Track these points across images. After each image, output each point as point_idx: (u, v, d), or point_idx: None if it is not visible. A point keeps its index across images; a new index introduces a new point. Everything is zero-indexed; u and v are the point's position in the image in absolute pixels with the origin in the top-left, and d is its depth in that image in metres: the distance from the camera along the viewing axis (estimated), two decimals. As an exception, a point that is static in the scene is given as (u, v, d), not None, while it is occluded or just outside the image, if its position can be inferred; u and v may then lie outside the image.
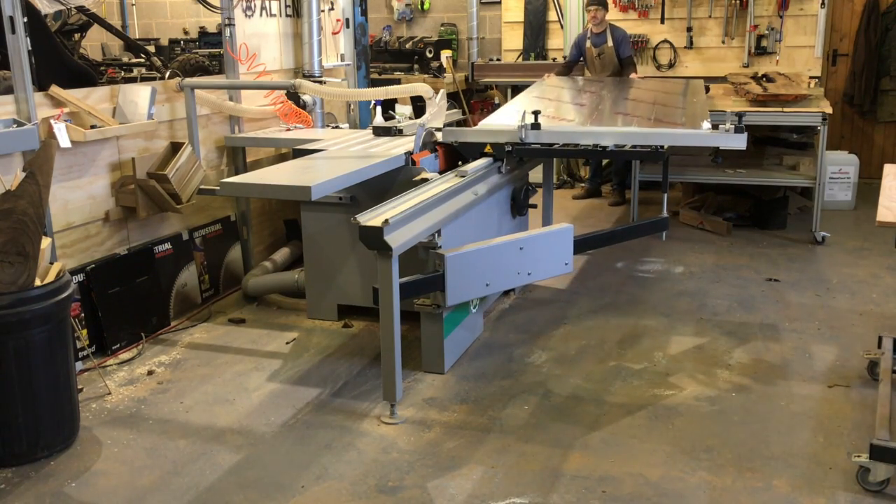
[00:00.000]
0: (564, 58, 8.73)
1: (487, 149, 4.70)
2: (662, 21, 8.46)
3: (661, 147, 4.51)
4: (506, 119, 5.10)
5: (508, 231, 5.22)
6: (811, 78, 7.69)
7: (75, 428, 3.65)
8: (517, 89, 8.96)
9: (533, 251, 4.32)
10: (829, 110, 6.32)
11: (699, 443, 3.51)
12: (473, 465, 3.37)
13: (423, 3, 9.46)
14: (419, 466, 3.37)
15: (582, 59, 7.79)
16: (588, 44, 7.54)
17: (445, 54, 8.84)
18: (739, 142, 4.44)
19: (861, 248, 6.29)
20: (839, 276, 5.63)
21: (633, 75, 7.44)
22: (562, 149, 4.71)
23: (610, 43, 7.45)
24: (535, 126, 4.60)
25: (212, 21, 8.35)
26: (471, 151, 4.77)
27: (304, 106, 5.64)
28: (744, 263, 5.95)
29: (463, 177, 4.34)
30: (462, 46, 9.38)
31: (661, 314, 4.99)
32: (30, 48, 4.04)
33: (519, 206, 5.19)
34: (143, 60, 6.87)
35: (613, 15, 8.45)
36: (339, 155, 4.53)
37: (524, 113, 4.63)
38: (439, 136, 4.86)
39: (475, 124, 6.00)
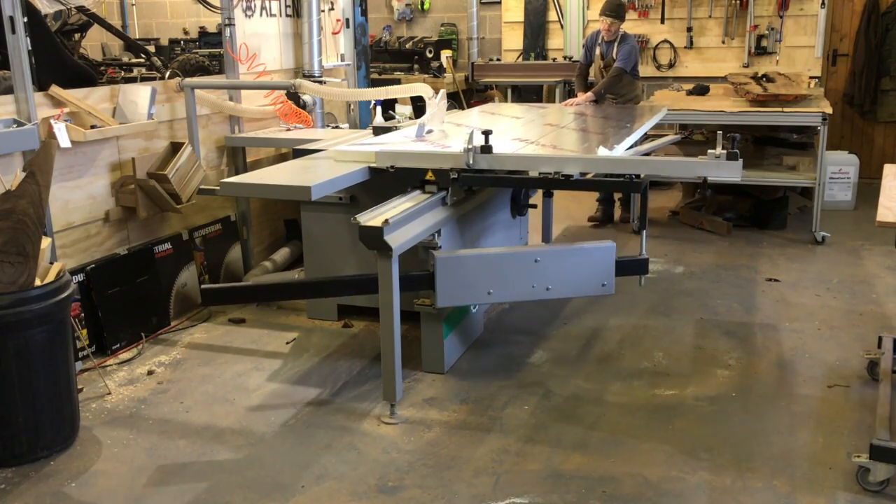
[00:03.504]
0: (565, 57, 8.75)
1: (429, 175, 4.06)
2: (662, 21, 8.47)
3: (637, 176, 3.87)
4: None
5: (510, 231, 5.21)
6: (811, 78, 7.70)
7: (75, 428, 3.65)
8: (517, 89, 9.00)
9: (553, 265, 4.00)
10: (829, 110, 6.32)
11: (699, 443, 3.51)
12: (473, 465, 3.37)
13: (423, 3, 9.46)
14: (419, 466, 3.37)
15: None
16: (597, 51, 6.82)
17: (445, 54, 8.85)
18: (733, 171, 3.74)
19: (861, 248, 6.29)
20: (839, 276, 5.63)
21: (586, 94, 6.59)
22: (519, 177, 4.03)
23: (615, 55, 6.67)
24: (486, 149, 3.91)
25: (212, 21, 8.35)
26: (410, 178, 4.10)
27: (304, 106, 5.64)
28: (744, 263, 5.95)
29: (432, 193, 4.01)
30: (462, 46, 9.39)
31: (661, 314, 4.99)
32: (30, 48, 4.04)
33: (519, 207, 5.18)
34: (143, 60, 6.88)
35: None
36: (339, 155, 4.52)
37: (472, 133, 3.93)
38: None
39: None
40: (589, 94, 6.55)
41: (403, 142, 4.45)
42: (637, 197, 6.83)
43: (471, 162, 3.88)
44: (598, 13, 6.68)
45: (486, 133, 3.93)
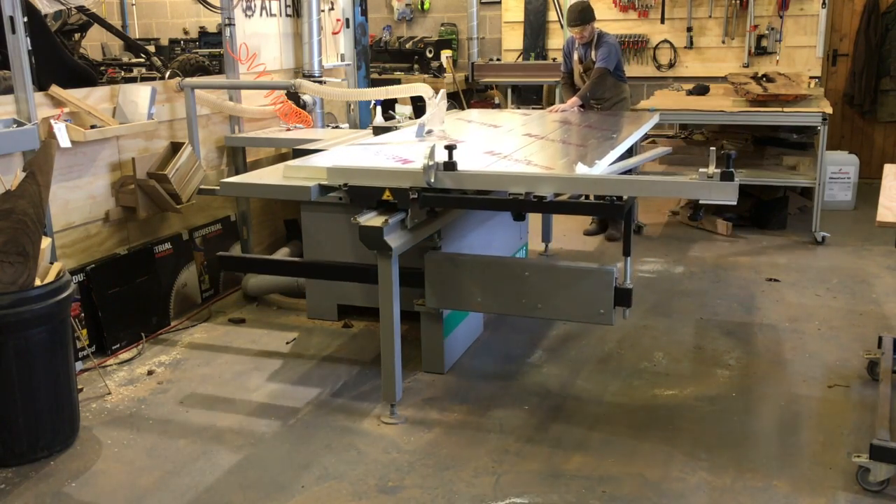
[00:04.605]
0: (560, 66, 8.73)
1: (386, 195, 3.60)
2: (662, 21, 8.47)
3: (619, 198, 3.44)
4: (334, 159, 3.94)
5: (509, 232, 5.19)
6: (811, 78, 7.70)
7: (75, 428, 3.65)
8: (517, 89, 9.00)
9: (544, 282, 3.73)
10: (829, 110, 6.32)
11: (699, 443, 3.51)
12: (473, 465, 3.37)
13: (423, 3, 9.46)
14: (419, 466, 3.37)
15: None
16: (575, 56, 6.49)
17: (445, 54, 8.85)
18: (727, 194, 3.28)
19: (861, 248, 6.29)
20: (839, 276, 5.63)
21: (572, 99, 6.21)
22: (487, 198, 3.64)
23: (594, 58, 6.30)
24: (450, 166, 3.49)
25: (212, 21, 8.35)
26: (364, 198, 3.64)
27: (304, 106, 5.64)
28: (744, 263, 5.95)
29: (388, 216, 3.57)
30: (462, 46, 9.39)
31: (661, 314, 4.99)
32: (30, 48, 4.04)
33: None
34: (143, 60, 6.88)
35: (613, 15, 8.46)
36: (339, 155, 4.51)
37: (433, 148, 3.48)
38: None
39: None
40: (574, 98, 6.19)
41: (359, 154, 4.14)
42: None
43: (432, 180, 3.48)
44: (567, 24, 6.29)
45: (450, 148, 3.51)
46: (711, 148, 3.37)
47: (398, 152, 4.10)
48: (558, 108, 6.18)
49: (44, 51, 4.52)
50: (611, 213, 3.52)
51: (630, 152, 5.64)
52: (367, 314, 4.87)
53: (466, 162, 3.69)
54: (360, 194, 3.64)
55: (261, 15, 5.78)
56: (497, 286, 3.83)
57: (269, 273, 5.02)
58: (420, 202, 3.55)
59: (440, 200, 3.61)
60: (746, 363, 4.29)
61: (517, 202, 3.49)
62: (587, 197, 3.63)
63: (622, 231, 3.71)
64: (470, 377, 4.18)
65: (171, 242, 5.03)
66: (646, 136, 6.87)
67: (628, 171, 4.51)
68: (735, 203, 3.38)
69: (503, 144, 4.41)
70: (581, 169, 3.59)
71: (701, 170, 3.30)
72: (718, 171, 3.25)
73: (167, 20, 9.98)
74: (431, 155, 3.44)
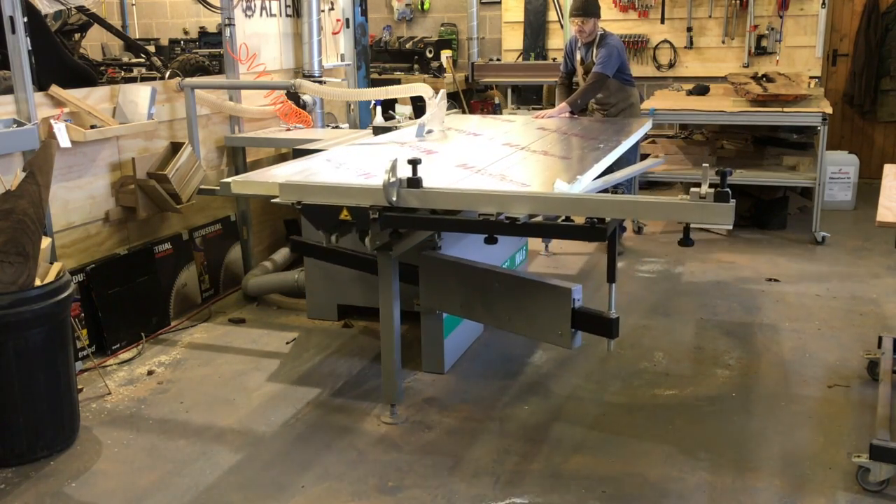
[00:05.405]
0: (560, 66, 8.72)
1: (344, 214, 3.28)
2: (662, 21, 8.46)
3: (601, 220, 3.11)
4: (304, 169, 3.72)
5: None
6: (811, 78, 7.70)
7: (75, 428, 3.65)
8: (517, 89, 9.00)
9: (511, 294, 3.53)
10: (829, 110, 6.32)
11: (699, 443, 3.51)
12: (474, 466, 3.37)
13: (423, 3, 9.46)
14: (419, 466, 3.37)
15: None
16: (577, 56, 6.08)
17: (445, 54, 8.84)
18: (722, 217, 2.94)
19: (861, 248, 6.29)
20: (839, 276, 5.63)
21: (561, 104, 5.86)
22: (454, 219, 3.28)
23: (595, 59, 5.88)
24: (414, 183, 3.17)
25: (212, 21, 8.34)
26: (322, 220, 3.34)
27: (304, 106, 5.64)
28: (744, 263, 5.95)
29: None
30: (462, 46, 9.39)
31: (661, 314, 4.99)
32: (30, 48, 4.04)
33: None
34: (143, 60, 6.87)
35: (613, 15, 8.46)
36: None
37: (394, 162, 3.15)
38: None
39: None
40: (563, 104, 5.79)
41: (320, 167, 3.90)
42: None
43: (394, 199, 3.16)
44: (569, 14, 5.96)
45: (414, 162, 3.17)
46: (705, 164, 3.08)
47: (366, 166, 3.79)
48: (544, 115, 5.77)
49: (44, 51, 4.51)
50: (592, 238, 3.13)
51: (630, 156, 5.60)
52: (367, 314, 4.87)
53: (435, 177, 3.42)
54: (315, 213, 3.32)
55: (261, 15, 5.78)
56: (475, 294, 3.72)
57: (338, 264, 4.55)
58: (381, 223, 3.23)
59: (403, 221, 3.28)
60: (746, 363, 4.29)
61: (488, 224, 3.15)
62: (568, 217, 3.31)
63: (608, 264, 3.38)
64: (470, 377, 4.18)
65: (171, 242, 5.03)
66: (646, 136, 6.87)
67: (622, 184, 4.16)
68: (731, 226, 3.10)
69: (479, 156, 4.09)
70: (560, 187, 3.25)
71: (693, 189, 2.97)
72: (712, 191, 2.93)
73: (167, 20, 9.98)
74: (393, 170, 3.13)
